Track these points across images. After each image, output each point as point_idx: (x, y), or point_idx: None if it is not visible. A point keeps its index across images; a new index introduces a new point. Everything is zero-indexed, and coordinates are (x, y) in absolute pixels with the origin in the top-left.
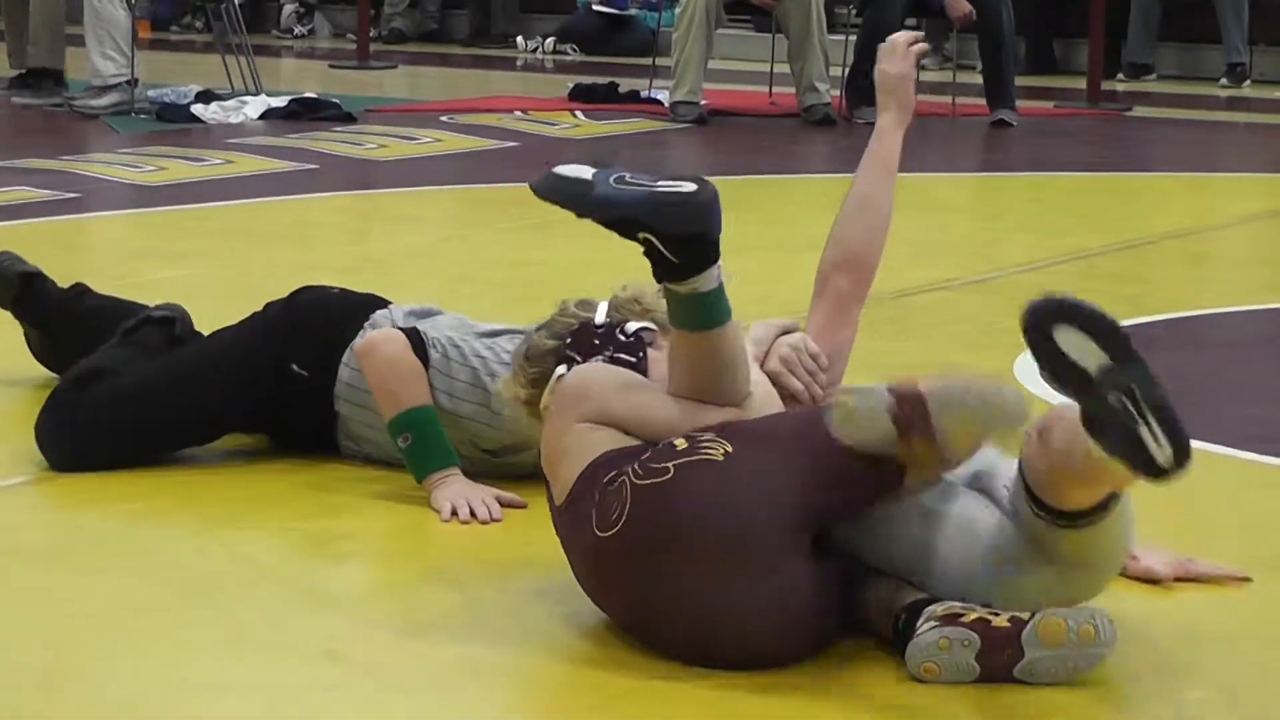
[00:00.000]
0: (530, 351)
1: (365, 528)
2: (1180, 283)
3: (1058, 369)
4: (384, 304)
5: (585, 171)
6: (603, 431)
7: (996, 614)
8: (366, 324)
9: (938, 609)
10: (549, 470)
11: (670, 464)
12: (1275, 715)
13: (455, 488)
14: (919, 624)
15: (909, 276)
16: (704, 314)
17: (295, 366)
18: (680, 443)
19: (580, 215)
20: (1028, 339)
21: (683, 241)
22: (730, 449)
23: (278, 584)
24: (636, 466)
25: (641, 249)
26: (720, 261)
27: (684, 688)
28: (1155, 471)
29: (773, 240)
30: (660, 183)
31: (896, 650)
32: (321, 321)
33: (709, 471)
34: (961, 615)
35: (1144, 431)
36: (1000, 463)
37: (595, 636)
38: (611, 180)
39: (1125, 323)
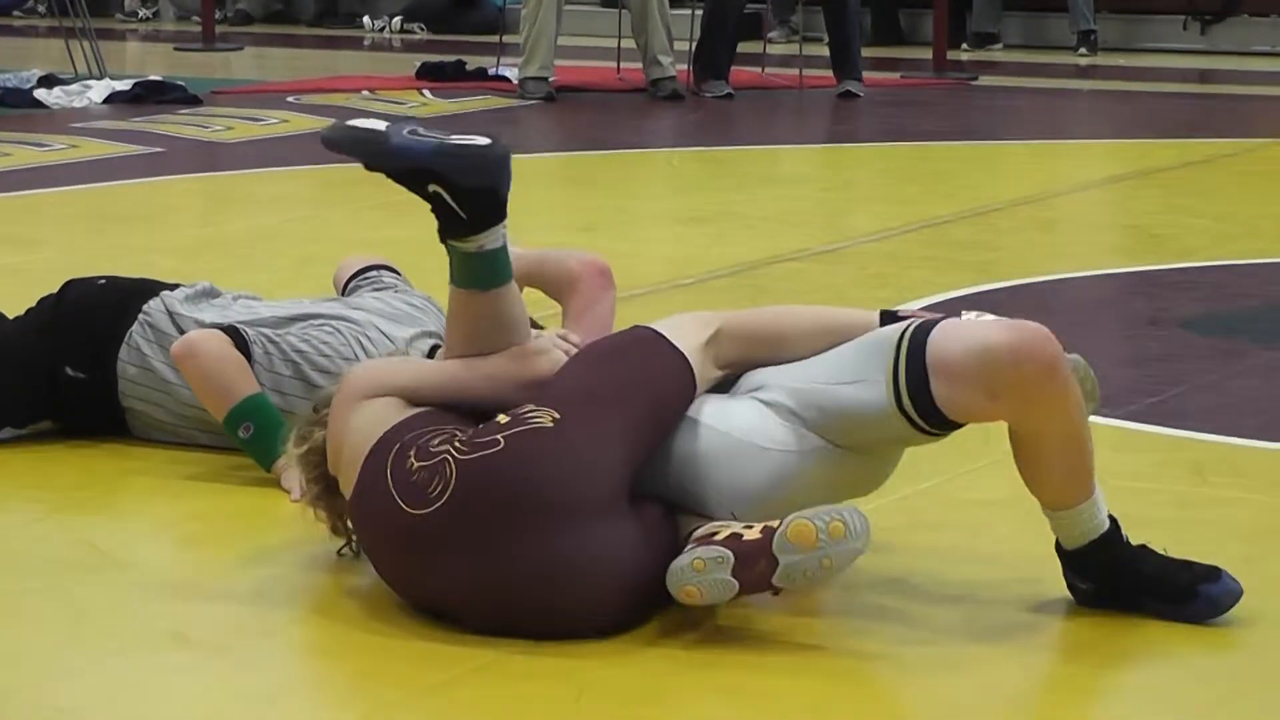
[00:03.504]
0: (319, 403)
1: (210, 509)
2: (1029, 249)
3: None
4: (155, 289)
5: (378, 124)
6: (382, 400)
7: (750, 527)
8: (140, 315)
9: (697, 531)
10: (333, 462)
11: (498, 436)
12: None
13: None
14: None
15: (762, 247)
16: (488, 273)
17: (70, 370)
18: (502, 418)
19: (371, 167)
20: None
21: (473, 195)
22: (558, 415)
23: (121, 568)
24: (458, 444)
25: (430, 206)
26: (505, 221)
27: (537, 660)
28: None
29: (623, 215)
30: (453, 136)
31: None
32: (91, 320)
33: (540, 438)
34: (715, 534)
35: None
36: (770, 374)
37: (446, 614)
38: (405, 132)
39: (973, 290)
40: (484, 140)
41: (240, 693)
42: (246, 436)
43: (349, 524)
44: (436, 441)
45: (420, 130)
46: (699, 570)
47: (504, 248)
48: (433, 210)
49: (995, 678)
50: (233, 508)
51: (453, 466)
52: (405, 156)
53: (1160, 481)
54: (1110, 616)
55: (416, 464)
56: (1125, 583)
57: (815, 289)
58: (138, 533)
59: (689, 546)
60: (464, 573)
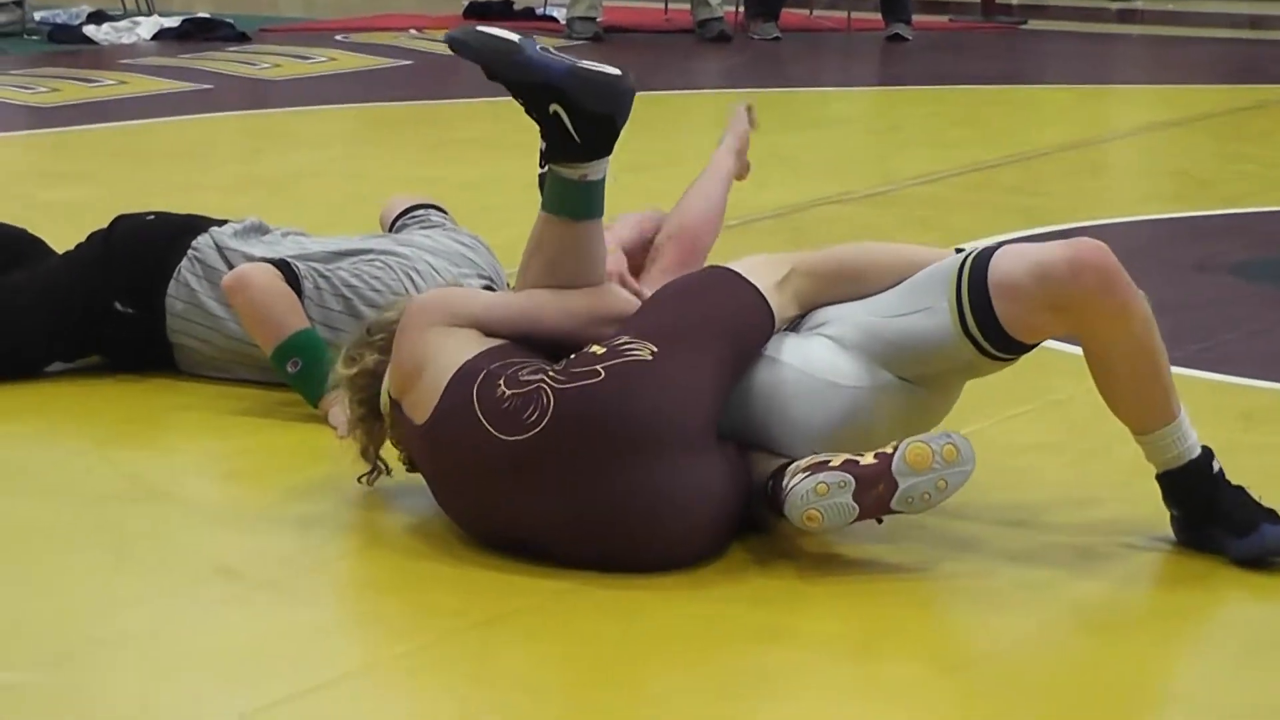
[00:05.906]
0: (373, 326)
1: (257, 444)
2: (1075, 194)
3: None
4: (204, 225)
5: (511, 35)
6: (461, 333)
7: (861, 454)
8: (189, 251)
9: (802, 462)
10: (403, 387)
11: (598, 366)
12: None
13: None
14: (789, 480)
15: (807, 190)
16: (586, 203)
17: (119, 305)
18: (597, 349)
19: (495, 75)
20: None
21: (593, 120)
22: (655, 349)
23: (168, 502)
24: (552, 373)
25: (541, 128)
26: (610, 156)
27: (586, 595)
28: None
29: (669, 156)
30: (583, 61)
31: (772, 512)
32: (140, 255)
33: (640, 370)
34: (828, 461)
35: None
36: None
37: (495, 548)
38: (538, 48)
39: (1020, 233)
40: (615, 70)
41: (288, 626)
42: (294, 372)
43: (380, 453)
44: (526, 372)
45: (552, 49)
46: (821, 495)
47: (603, 180)
48: (542, 132)
49: (1043, 616)
50: (279, 443)
51: (550, 395)
52: (537, 70)
53: (1208, 428)
54: (1163, 552)
55: (508, 391)
56: (1201, 512)
57: (859, 233)
58: (184, 467)
59: (799, 476)
60: (557, 501)
